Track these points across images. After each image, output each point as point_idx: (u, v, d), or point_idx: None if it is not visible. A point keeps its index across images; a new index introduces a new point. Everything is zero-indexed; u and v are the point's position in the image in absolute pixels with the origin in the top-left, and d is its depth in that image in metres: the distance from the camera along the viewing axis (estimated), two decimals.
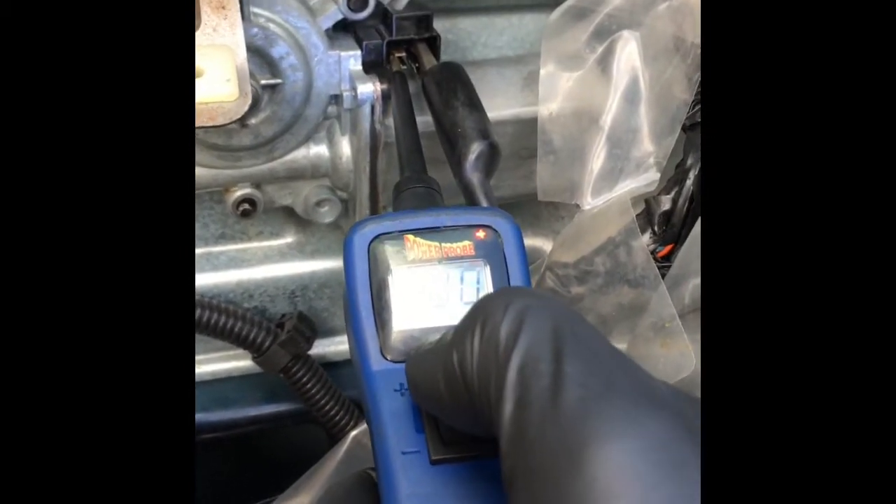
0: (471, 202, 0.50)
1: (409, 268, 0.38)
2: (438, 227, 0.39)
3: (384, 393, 0.36)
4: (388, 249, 0.38)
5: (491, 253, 0.38)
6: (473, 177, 0.50)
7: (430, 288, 0.38)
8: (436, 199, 0.46)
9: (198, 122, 0.45)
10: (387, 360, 0.36)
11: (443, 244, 0.38)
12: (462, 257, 0.38)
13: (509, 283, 0.38)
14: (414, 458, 0.34)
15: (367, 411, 0.37)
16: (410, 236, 0.38)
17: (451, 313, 0.36)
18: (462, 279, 0.38)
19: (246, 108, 0.45)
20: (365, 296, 0.37)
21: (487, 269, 0.38)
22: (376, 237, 0.38)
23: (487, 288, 0.38)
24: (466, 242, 0.38)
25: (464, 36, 0.66)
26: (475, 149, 0.50)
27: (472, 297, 0.38)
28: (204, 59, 0.46)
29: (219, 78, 0.45)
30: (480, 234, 0.39)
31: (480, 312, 0.29)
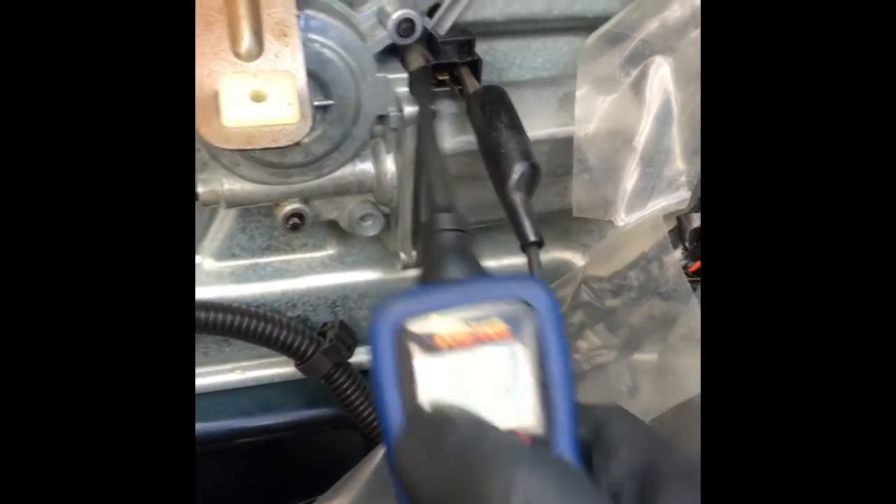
0: (513, 219, 0.53)
1: (436, 357, 0.36)
2: (469, 303, 0.37)
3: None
4: (415, 336, 0.36)
5: (526, 334, 0.37)
6: (516, 196, 0.53)
7: (460, 378, 0.36)
8: (469, 248, 0.43)
9: (261, 144, 0.48)
10: None
11: (474, 325, 0.36)
12: (494, 340, 0.36)
13: (545, 368, 0.36)
14: None
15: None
16: (437, 317, 0.36)
17: (481, 403, 0.36)
18: (495, 366, 0.36)
19: (307, 130, 0.48)
20: (391, 385, 0.36)
21: (523, 354, 0.36)
22: (402, 319, 0.36)
23: (524, 374, 0.36)
24: (500, 325, 0.36)
25: (500, 57, 0.68)
26: (518, 169, 0.53)
27: (509, 385, 0.36)
28: (267, 84, 0.49)
29: (281, 102, 0.48)
30: (515, 309, 0.37)
31: (476, 487, 0.30)
